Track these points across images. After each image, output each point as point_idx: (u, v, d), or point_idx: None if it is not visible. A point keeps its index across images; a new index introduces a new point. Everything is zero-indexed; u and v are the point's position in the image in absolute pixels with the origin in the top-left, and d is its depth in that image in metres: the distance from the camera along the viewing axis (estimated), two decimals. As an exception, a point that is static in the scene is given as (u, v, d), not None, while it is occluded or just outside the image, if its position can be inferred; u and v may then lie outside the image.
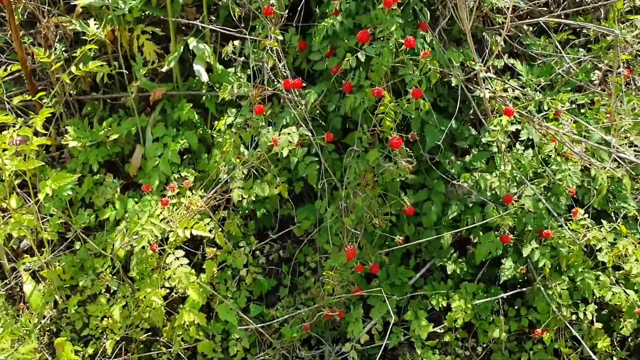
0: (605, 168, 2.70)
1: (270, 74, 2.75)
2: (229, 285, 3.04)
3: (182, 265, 2.62)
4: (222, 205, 3.02)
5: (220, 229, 2.91)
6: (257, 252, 3.19)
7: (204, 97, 3.21)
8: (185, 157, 3.23)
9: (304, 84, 2.70)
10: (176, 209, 2.77)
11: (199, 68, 3.03)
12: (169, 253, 2.68)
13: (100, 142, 3.22)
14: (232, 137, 2.76)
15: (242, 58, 2.87)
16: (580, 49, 3.35)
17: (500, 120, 2.66)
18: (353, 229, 2.70)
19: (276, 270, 3.26)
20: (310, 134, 2.62)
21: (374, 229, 2.70)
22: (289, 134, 2.57)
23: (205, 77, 3.03)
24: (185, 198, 2.80)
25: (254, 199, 2.74)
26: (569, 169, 2.73)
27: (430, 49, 2.52)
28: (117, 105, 3.43)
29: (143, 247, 2.66)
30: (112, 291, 2.95)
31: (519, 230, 2.93)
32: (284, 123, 2.73)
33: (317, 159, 2.69)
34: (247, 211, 3.18)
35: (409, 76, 2.46)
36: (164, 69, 3.11)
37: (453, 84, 2.61)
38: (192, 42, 3.05)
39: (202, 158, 3.04)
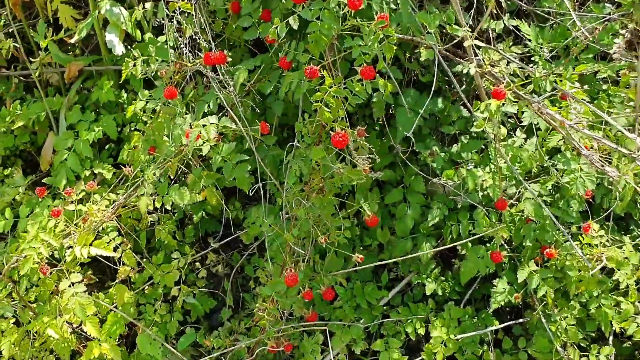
0: (631, 163, 2.01)
1: (188, 46, 2.11)
2: (157, 307, 2.47)
3: (77, 293, 2.06)
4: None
5: (139, 242, 2.33)
6: (198, 263, 2.62)
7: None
8: (108, 146, 2.64)
9: (230, 59, 2.05)
10: (78, 220, 2.19)
11: (111, 37, 2.40)
12: (66, 276, 2.12)
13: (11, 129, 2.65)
14: (142, 127, 2.15)
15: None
16: (607, 4, 2.60)
17: (489, 104, 1.99)
18: (300, 245, 2.09)
19: (221, 285, 2.68)
20: (235, 124, 1.99)
21: (324, 247, 2.08)
22: (204, 125, 1.94)
23: (119, 49, 2.41)
24: (90, 204, 2.21)
25: (168, 207, 2.14)
26: (581, 169, 2.05)
27: (389, 11, 1.84)
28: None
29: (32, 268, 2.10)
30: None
31: (517, 243, 2.29)
32: (206, 110, 2.10)
33: (249, 157, 2.06)
34: (183, 214, 2.59)
35: (355, 49, 1.79)
36: (73, 40, 2.49)
37: (422, 58, 1.93)
38: (105, 5, 2.41)
39: (126, 149, 2.44)
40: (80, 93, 2.73)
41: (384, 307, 2.50)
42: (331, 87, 1.78)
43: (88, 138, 2.46)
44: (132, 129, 2.36)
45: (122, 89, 2.64)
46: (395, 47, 1.78)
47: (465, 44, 2.07)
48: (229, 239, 2.59)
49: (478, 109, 2.02)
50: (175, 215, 2.55)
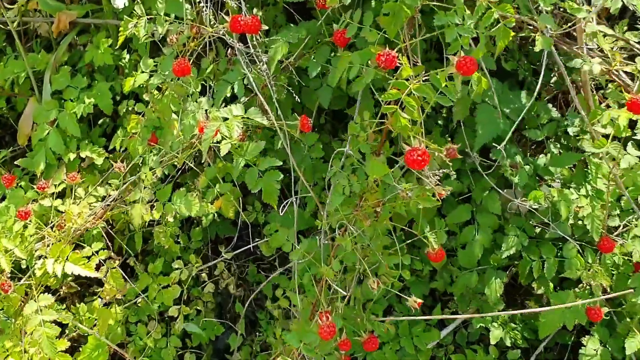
0: None
1: (209, 3, 1.56)
2: (151, 328, 1.98)
3: (45, 323, 1.57)
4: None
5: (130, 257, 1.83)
6: (205, 274, 2.12)
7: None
8: (101, 121, 2.11)
9: (266, 28, 1.50)
10: (53, 223, 1.68)
11: (111, -15, 1.84)
12: (35, 295, 1.63)
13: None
14: (142, 109, 1.62)
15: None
16: None
17: (616, 118, 1.44)
18: (337, 282, 1.58)
19: (231, 300, 2.19)
20: (268, 119, 1.45)
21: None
22: (224, 118, 1.41)
23: (120, 0, 1.84)
24: (69, 203, 1.70)
25: (171, 219, 1.62)
26: None
27: (501, -22, 1.27)
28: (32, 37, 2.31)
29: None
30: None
31: (617, 294, 1.76)
32: (228, 93, 1.56)
33: (280, 163, 1.53)
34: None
35: (450, 30, 1.24)
36: (61, -16, 1.94)
37: (537, 48, 1.36)
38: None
39: (119, 136, 1.91)
40: (73, 50, 2.19)
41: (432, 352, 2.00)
42: (411, 78, 1.23)
43: (76, 111, 1.92)
44: (130, 107, 1.82)
45: (125, 48, 2.10)
46: (512, 33, 1.22)
47: (588, 29, 1.50)
48: (244, 248, 2.08)
49: (598, 120, 1.47)
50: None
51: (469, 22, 1.27)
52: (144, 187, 1.54)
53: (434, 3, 1.31)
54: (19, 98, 2.13)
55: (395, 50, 1.27)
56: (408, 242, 1.68)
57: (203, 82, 1.63)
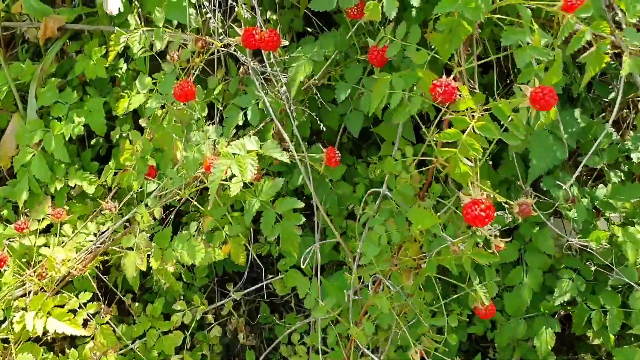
0: None
1: (217, 11, 1.30)
2: (148, 380, 1.73)
3: (22, 392, 1.32)
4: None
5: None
6: (211, 315, 1.87)
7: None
8: (94, 141, 1.85)
9: (286, 43, 1.24)
10: (35, 268, 1.43)
11: (102, -13, 1.58)
12: (12, 353, 1.38)
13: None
14: (136, 137, 1.36)
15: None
16: None
17: None
18: (368, 344, 1.33)
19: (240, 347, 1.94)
20: (289, 154, 1.20)
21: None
22: (235, 154, 1.15)
23: (114, 5, 1.59)
24: (54, 241, 1.45)
25: (171, 268, 1.36)
26: None
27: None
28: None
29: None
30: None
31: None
32: (240, 121, 1.31)
33: (302, 205, 1.28)
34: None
35: (523, 53, 0.98)
36: (47, -15, 1.68)
37: (625, 73, 1.09)
38: None
39: (111, 168, 1.64)
40: (63, 59, 1.93)
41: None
42: (474, 112, 0.97)
43: (64, 132, 1.67)
44: (125, 133, 1.56)
45: (122, 56, 1.84)
46: (607, 57, 0.95)
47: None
48: (254, 287, 1.82)
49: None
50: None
51: (543, 41, 1.00)
52: (140, 231, 1.29)
53: (499, 16, 1.05)
54: (1, 113, 1.88)
55: (452, 76, 1.00)
56: (453, 295, 1.42)
57: (209, 103, 1.37)
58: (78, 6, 1.90)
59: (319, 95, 1.33)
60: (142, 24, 1.75)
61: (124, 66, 1.80)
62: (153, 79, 1.39)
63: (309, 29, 1.63)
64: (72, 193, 1.74)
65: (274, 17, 1.61)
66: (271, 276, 1.81)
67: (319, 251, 1.41)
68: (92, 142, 1.83)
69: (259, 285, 1.80)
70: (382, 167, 1.22)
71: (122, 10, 1.62)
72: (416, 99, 1.09)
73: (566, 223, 1.78)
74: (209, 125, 1.28)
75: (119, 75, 1.79)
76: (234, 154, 1.15)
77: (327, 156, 1.26)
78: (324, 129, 1.52)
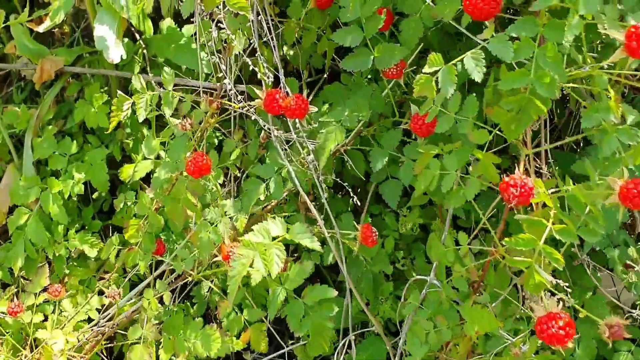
0: None
1: (234, 66, 1.14)
2: None
3: None
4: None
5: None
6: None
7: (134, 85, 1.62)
8: (95, 195, 1.69)
9: (314, 110, 1.07)
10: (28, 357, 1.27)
11: (103, 32, 1.41)
12: None
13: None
14: (143, 210, 1.19)
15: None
16: None
17: None
18: None
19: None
20: (320, 241, 1.03)
21: None
22: (259, 242, 0.98)
23: (116, 53, 1.42)
24: (51, 323, 1.28)
25: (185, 361, 1.19)
26: None
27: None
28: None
29: None
30: None
31: None
32: (262, 195, 1.14)
33: (335, 294, 1.11)
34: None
35: (610, 139, 0.81)
36: (42, 28, 1.51)
37: None
38: (97, -27, 1.41)
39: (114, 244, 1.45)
40: (62, 102, 1.77)
41: None
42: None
43: (62, 191, 1.51)
44: (130, 202, 1.39)
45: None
46: None
47: None
48: (274, 355, 1.65)
49: None
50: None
51: (629, 119, 0.83)
52: (147, 320, 1.12)
53: (572, 85, 0.87)
54: (-4, 165, 1.72)
55: (521, 165, 0.83)
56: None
57: (226, 170, 1.20)
58: (77, 45, 1.73)
59: (349, 161, 1.15)
60: (148, 66, 1.60)
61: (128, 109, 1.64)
62: (161, 137, 1.21)
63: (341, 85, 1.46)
64: (73, 254, 1.58)
65: (291, 52, 1.44)
66: (292, 342, 1.64)
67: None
68: (94, 195, 1.66)
69: (281, 352, 1.63)
70: (429, 250, 1.04)
71: (124, 57, 1.45)
72: (474, 182, 0.92)
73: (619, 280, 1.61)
74: (223, 193, 1.11)
75: (124, 121, 1.63)
76: (265, 248, 0.98)
77: (363, 235, 1.09)
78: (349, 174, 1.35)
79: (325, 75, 1.39)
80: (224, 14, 1.06)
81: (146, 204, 1.16)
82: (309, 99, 1.09)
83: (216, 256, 1.08)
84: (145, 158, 1.21)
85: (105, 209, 1.67)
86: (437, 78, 0.86)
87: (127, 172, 1.23)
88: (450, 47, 1.25)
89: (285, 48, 1.43)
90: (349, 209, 1.37)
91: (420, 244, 1.59)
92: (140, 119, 1.09)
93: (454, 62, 0.85)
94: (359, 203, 1.15)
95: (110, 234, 1.69)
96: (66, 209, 1.55)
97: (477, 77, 0.84)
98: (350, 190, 1.16)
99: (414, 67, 1.11)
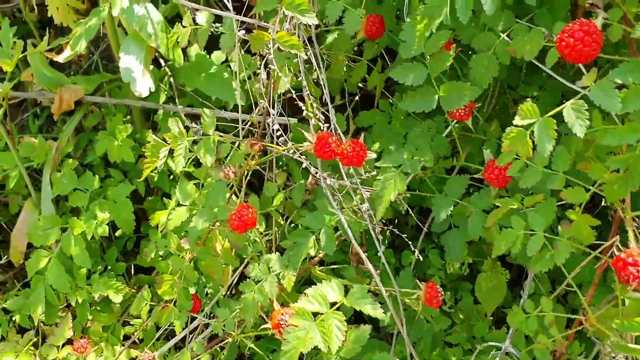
0: None
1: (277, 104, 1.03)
2: None
3: None
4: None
5: None
6: None
7: (159, 115, 1.52)
8: (119, 232, 1.58)
9: (373, 156, 0.95)
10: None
11: (129, 62, 1.31)
12: None
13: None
14: (180, 266, 1.08)
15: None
16: None
17: None
18: None
19: None
20: (375, 286, 0.91)
21: None
22: (316, 310, 0.86)
23: (143, 86, 1.31)
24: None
25: None
26: None
27: None
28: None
29: None
30: None
31: None
32: (312, 249, 1.02)
33: (394, 360, 0.98)
34: None
35: None
36: (62, 57, 1.41)
37: None
38: (123, 1, 1.30)
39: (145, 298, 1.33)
40: (81, 133, 1.67)
41: None
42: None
43: (85, 232, 1.40)
44: (162, 252, 1.27)
45: (153, 129, 1.58)
46: None
47: None
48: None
49: None
50: None
51: None
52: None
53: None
54: (11, 201, 1.61)
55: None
56: None
57: (268, 216, 1.09)
58: (95, 69, 1.62)
59: (409, 210, 1.04)
60: (175, 95, 1.49)
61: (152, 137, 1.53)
62: (195, 174, 1.10)
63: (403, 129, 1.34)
64: (96, 299, 1.47)
65: (323, 76, 1.33)
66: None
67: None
68: (117, 233, 1.55)
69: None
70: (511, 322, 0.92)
71: (153, 89, 1.34)
72: (564, 245, 0.80)
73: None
74: (271, 252, 0.99)
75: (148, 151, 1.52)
76: (313, 311, 0.86)
77: (428, 295, 0.98)
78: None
79: (357, 98, 1.28)
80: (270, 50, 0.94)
81: (181, 257, 1.05)
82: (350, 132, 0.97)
83: (263, 320, 0.97)
84: (179, 204, 1.09)
85: (129, 247, 1.56)
86: (532, 132, 0.74)
87: (159, 219, 1.12)
88: (514, 81, 1.13)
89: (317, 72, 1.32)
90: (402, 263, 1.25)
91: (467, 283, 1.47)
92: (179, 169, 0.97)
93: (550, 114, 0.73)
94: (420, 257, 1.03)
95: (134, 273, 1.59)
96: (89, 251, 1.44)
97: (579, 131, 0.72)
98: (410, 243, 1.04)
99: (478, 105, 1.00)
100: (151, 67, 1.51)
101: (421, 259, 1.03)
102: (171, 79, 1.49)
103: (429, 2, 0.86)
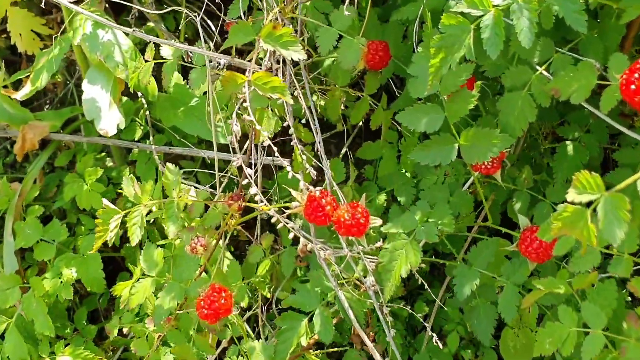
0: None
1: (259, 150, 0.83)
2: None
3: None
4: None
5: None
6: None
7: (135, 153, 1.34)
8: (87, 299, 1.39)
9: (377, 223, 0.75)
10: None
11: (92, 93, 1.12)
12: None
13: None
14: (144, 352, 0.88)
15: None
16: None
17: None
18: None
19: None
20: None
21: None
22: None
23: (109, 123, 1.13)
24: None
25: None
26: None
27: None
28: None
29: None
30: None
31: None
32: (304, 337, 0.82)
33: None
34: None
35: None
36: (19, 95, 1.22)
37: None
38: (84, 26, 1.12)
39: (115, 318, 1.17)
40: (52, 172, 1.49)
41: None
42: None
43: (49, 292, 1.21)
44: (126, 330, 1.08)
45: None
46: None
47: None
48: None
49: None
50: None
51: None
52: None
53: None
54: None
55: None
56: None
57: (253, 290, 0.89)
58: (66, 106, 1.43)
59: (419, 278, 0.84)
60: (150, 130, 1.30)
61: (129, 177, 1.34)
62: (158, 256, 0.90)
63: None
64: (63, 366, 1.28)
65: (322, 102, 1.13)
66: None
67: None
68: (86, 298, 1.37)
69: None
70: None
71: (122, 126, 1.15)
72: (632, 348, 0.59)
73: None
74: (254, 342, 0.80)
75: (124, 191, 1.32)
76: None
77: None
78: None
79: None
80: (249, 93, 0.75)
81: (146, 340, 0.85)
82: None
83: None
84: (144, 274, 0.90)
85: (103, 306, 1.37)
86: (593, 210, 0.54)
87: (121, 290, 0.92)
88: (547, 116, 0.93)
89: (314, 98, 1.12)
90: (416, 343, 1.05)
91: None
92: (133, 243, 0.78)
93: (621, 187, 0.53)
94: (440, 345, 0.83)
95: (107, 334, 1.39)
96: (55, 313, 1.25)
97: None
98: (426, 325, 0.84)
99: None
100: (125, 98, 1.34)
101: (439, 345, 0.83)
102: (148, 112, 1.31)
103: (445, 29, 0.66)
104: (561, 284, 0.68)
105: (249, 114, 0.69)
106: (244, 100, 0.68)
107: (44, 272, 1.28)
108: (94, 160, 1.35)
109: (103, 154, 1.42)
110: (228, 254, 1.16)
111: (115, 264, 1.41)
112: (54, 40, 1.20)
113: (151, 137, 1.25)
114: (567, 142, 0.85)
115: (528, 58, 0.73)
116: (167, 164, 0.82)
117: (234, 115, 0.71)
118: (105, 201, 0.82)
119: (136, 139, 1.31)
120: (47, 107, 1.60)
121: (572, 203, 0.55)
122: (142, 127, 1.34)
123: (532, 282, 0.70)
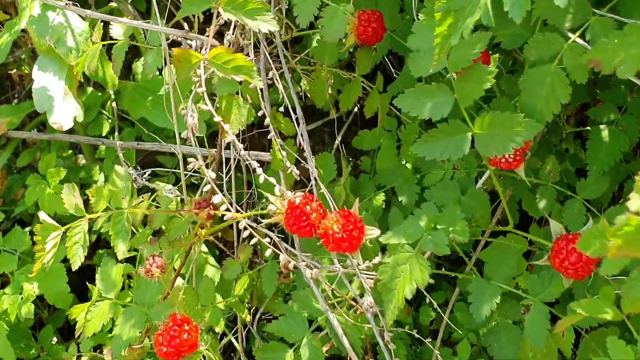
0: None
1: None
2: None
3: None
4: None
5: None
6: None
7: (102, 150, 1.19)
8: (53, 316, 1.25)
9: (375, 234, 0.60)
10: None
11: (43, 82, 0.96)
12: None
13: None
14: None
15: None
16: None
17: None
18: None
19: None
20: None
21: None
22: None
23: (64, 116, 0.97)
24: None
25: None
26: None
27: None
28: None
29: None
30: None
31: None
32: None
33: None
34: None
35: None
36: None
37: None
38: (33, 8, 0.96)
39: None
40: (15, 173, 1.34)
41: None
42: None
43: (8, 312, 1.07)
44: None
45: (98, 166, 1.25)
46: None
47: None
48: None
49: None
50: None
51: None
52: None
53: None
54: None
55: None
56: None
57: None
58: (27, 101, 1.28)
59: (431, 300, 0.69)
60: (117, 124, 1.16)
61: (101, 179, 1.20)
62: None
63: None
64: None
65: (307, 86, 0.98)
66: None
67: None
68: (52, 315, 1.23)
69: None
70: None
71: (80, 119, 1.00)
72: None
73: None
74: (227, 348, 0.65)
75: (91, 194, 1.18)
76: None
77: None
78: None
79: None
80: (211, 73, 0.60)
81: (105, 376, 0.71)
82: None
83: None
84: (101, 296, 0.75)
85: (73, 322, 1.23)
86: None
87: (78, 314, 0.78)
88: (577, 97, 0.77)
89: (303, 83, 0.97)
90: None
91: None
92: (74, 267, 0.64)
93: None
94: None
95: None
96: (17, 332, 1.12)
97: None
98: (436, 353, 0.69)
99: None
100: (90, 89, 1.19)
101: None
102: (115, 103, 1.16)
103: (453, -12, 0.51)
104: (608, 307, 0.54)
105: (206, 103, 0.54)
106: (200, 85, 0.54)
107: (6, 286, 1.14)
108: (58, 159, 1.20)
109: (70, 151, 1.28)
110: (211, 260, 1.02)
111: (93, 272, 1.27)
112: (3, 27, 1.06)
113: (116, 132, 1.11)
114: (602, 127, 0.70)
115: (558, 23, 0.58)
116: (116, 166, 0.67)
117: (189, 104, 0.56)
118: (42, 215, 0.68)
119: (103, 134, 1.17)
120: (15, 101, 1.45)
121: (637, 214, 0.40)
122: (109, 121, 1.19)
123: (572, 306, 0.55)
